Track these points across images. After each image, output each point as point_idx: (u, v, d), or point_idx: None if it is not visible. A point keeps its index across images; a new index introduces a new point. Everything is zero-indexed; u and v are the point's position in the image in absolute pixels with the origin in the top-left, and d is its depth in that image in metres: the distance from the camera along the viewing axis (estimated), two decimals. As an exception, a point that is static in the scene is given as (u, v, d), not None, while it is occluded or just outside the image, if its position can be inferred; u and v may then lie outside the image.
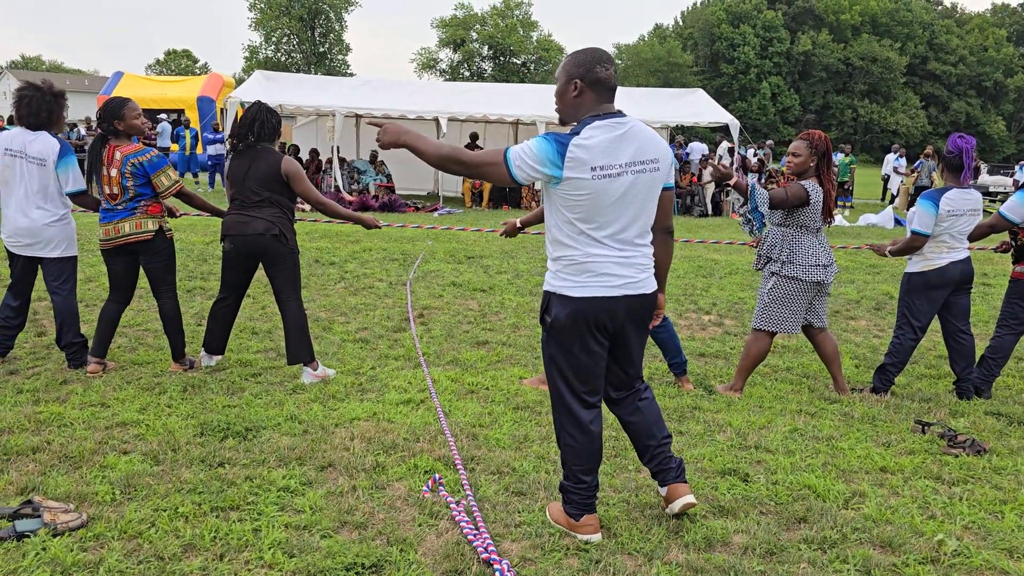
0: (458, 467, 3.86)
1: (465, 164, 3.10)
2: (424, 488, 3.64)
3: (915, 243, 5.24)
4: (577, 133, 3.00)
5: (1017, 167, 23.32)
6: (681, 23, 74.24)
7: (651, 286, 3.23)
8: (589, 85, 3.07)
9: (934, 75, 68.54)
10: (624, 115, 3.10)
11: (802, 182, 5.04)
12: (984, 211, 5.44)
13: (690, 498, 3.36)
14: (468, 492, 3.60)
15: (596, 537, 3.26)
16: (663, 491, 3.41)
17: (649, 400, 3.44)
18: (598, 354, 3.18)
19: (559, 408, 3.27)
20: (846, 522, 3.50)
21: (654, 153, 3.10)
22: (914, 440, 4.55)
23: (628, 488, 3.76)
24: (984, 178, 24.80)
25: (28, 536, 3.07)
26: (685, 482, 3.40)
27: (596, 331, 3.13)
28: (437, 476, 3.73)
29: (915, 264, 5.31)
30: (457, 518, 3.36)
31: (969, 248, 5.34)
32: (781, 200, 5.00)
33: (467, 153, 3.13)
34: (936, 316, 5.44)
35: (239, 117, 5.13)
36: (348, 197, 16.88)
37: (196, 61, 76.65)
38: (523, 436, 4.36)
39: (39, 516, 3.17)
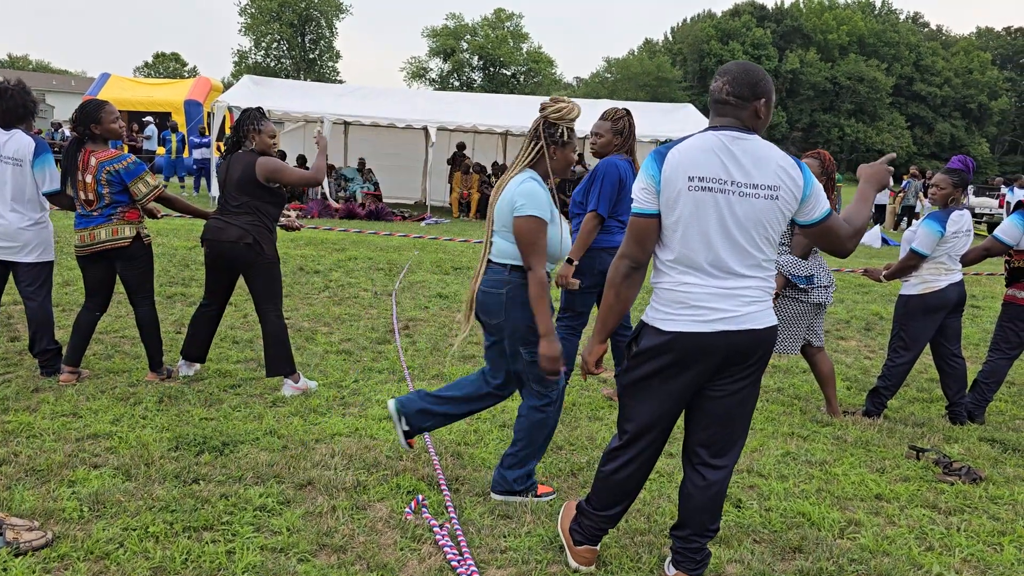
0: (442, 488, 3.73)
1: (630, 255, 2.83)
2: (407, 510, 3.51)
3: (911, 262, 5.16)
4: (680, 142, 2.80)
5: (1006, 188, 23.38)
6: (671, 39, 74.61)
7: (762, 320, 2.80)
8: (711, 102, 2.87)
9: (920, 96, 69.07)
10: (749, 131, 2.78)
11: None
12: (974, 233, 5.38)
13: None
14: (452, 515, 3.47)
15: (586, 569, 3.12)
16: (670, 571, 3.08)
17: (716, 490, 2.97)
18: (676, 396, 2.86)
19: (617, 431, 3.05)
20: (842, 553, 3.40)
21: (774, 179, 2.73)
22: (909, 466, 4.46)
23: (618, 513, 3.64)
24: (970, 199, 24.91)
25: (-12, 556, 2.92)
26: None
27: (682, 370, 2.81)
28: (420, 497, 3.60)
29: (913, 287, 5.22)
30: (441, 542, 3.23)
31: (964, 272, 5.27)
32: (807, 244, 4.93)
33: (619, 254, 2.86)
34: (930, 342, 5.37)
35: (226, 122, 5.01)
36: (335, 204, 16.73)
37: (185, 64, 76.16)
38: (510, 456, 4.23)
39: (1, 534, 3.01)
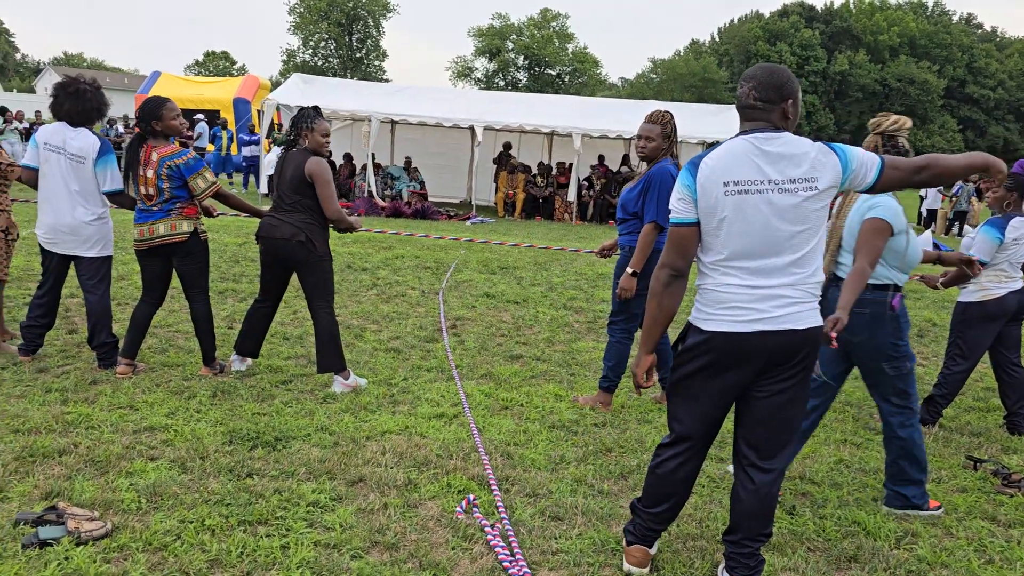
0: (492, 488, 3.73)
1: (671, 263, 2.87)
2: (458, 509, 3.52)
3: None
4: (712, 150, 2.84)
5: None
6: (717, 39, 73.87)
7: (804, 320, 2.79)
8: (738, 107, 2.89)
9: (972, 99, 67.50)
10: (778, 130, 2.79)
11: None
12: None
13: None
14: (503, 515, 3.47)
15: (637, 571, 3.11)
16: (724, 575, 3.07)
17: (766, 492, 2.95)
18: (718, 395, 2.89)
19: (668, 428, 3.10)
20: (899, 563, 3.33)
21: (810, 171, 2.74)
22: (966, 477, 4.36)
23: (669, 517, 3.60)
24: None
25: (51, 544, 2.99)
26: None
27: (723, 369, 2.84)
28: (471, 497, 3.60)
29: (972, 294, 5.10)
30: (492, 543, 3.23)
31: (1024, 278, 5.14)
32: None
33: (660, 263, 2.91)
34: (989, 350, 5.26)
35: (274, 120, 5.06)
36: (381, 203, 16.84)
37: (234, 63, 77.20)
38: (559, 457, 4.22)
39: (63, 523, 3.08)
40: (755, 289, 2.78)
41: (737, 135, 2.84)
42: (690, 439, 2.99)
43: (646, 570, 3.12)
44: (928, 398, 5.28)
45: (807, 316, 2.81)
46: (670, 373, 3.01)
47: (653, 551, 3.16)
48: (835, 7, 70.96)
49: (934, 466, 4.50)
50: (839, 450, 4.64)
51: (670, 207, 2.89)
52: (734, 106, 16.30)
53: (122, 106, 37.73)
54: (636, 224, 4.90)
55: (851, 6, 71.26)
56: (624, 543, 3.17)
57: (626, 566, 3.12)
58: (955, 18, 74.67)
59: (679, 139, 5.05)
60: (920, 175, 2.91)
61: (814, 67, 65.34)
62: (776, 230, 2.75)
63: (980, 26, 77.05)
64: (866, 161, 2.83)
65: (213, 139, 21.07)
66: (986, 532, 3.72)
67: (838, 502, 3.91)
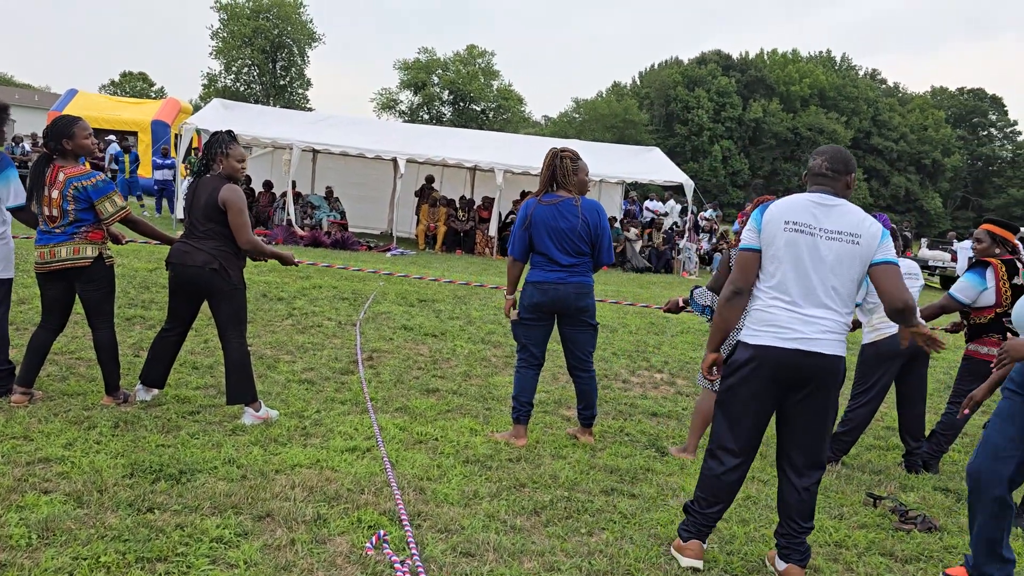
0: (404, 523, 3.68)
1: (734, 280, 3.49)
2: (368, 545, 3.45)
3: None
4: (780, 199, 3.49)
5: (959, 243, 23.90)
6: (639, 82, 75.71)
7: (831, 348, 3.36)
8: (810, 175, 3.55)
9: (877, 150, 70.65)
10: (838, 196, 3.45)
11: None
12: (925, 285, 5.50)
13: None
14: (414, 551, 3.42)
15: (693, 563, 3.53)
16: (781, 566, 3.55)
17: (806, 493, 3.51)
18: (758, 404, 3.44)
19: (712, 439, 3.60)
20: (802, 599, 3.40)
21: (856, 228, 3.38)
22: (866, 513, 4.50)
23: (580, 553, 3.61)
24: (924, 252, 25.49)
25: (-69, 582, 2.82)
26: (804, 568, 3.52)
27: (763, 380, 3.39)
28: (382, 532, 3.55)
29: (867, 335, 5.35)
30: (401, 580, 3.18)
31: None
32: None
33: (728, 280, 3.54)
34: (895, 389, 5.48)
35: (192, 144, 4.96)
36: (300, 232, 16.62)
37: (152, 84, 75.37)
38: (472, 492, 4.19)
39: (-55, 559, 2.91)
40: (796, 313, 3.36)
41: (803, 194, 3.51)
42: (736, 450, 3.50)
43: (701, 562, 3.55)
44: (832, 436, 5.44)
45: (833, 345, 3.37)
46: (720, 384, 3.58)
47: (706, 545, 3.65)
48: (750, 57, 73.72)
49: (836, 503, 4.64)
50: (747, 487, 4.73)
51: (742, 237, 3.54)
52: (655, 148, 16.94)
53: (32, 124, 36.42)
54: (534, 258, 5.09)
55: (765, 57, 74.16)
56: (679, 541, 3.61)
57: (685, 560, 3.54)
58: (861, 72, 78.40)
59: (599, 178, 5.18)
60: (899, 298, 3.34)
61: (730, 113, 67.55)
62: (820, 268, 3.35)
63: (884, 81, 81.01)
64: (887, 249, 3.39)
65: (116, 161, 20.08)
66: (884, 568, 3.84)
67: (745, 538, 3.98)
